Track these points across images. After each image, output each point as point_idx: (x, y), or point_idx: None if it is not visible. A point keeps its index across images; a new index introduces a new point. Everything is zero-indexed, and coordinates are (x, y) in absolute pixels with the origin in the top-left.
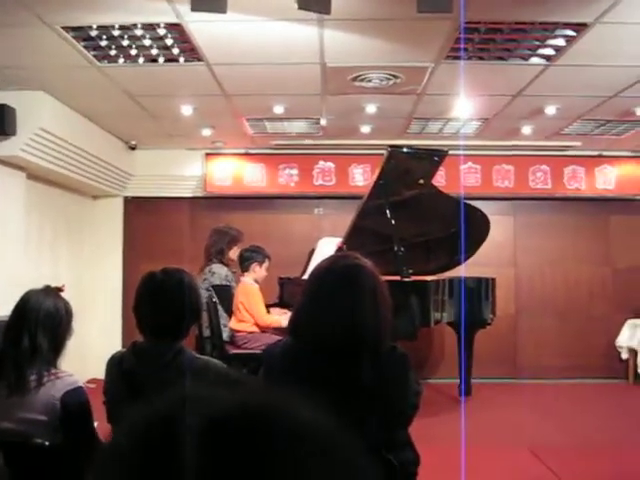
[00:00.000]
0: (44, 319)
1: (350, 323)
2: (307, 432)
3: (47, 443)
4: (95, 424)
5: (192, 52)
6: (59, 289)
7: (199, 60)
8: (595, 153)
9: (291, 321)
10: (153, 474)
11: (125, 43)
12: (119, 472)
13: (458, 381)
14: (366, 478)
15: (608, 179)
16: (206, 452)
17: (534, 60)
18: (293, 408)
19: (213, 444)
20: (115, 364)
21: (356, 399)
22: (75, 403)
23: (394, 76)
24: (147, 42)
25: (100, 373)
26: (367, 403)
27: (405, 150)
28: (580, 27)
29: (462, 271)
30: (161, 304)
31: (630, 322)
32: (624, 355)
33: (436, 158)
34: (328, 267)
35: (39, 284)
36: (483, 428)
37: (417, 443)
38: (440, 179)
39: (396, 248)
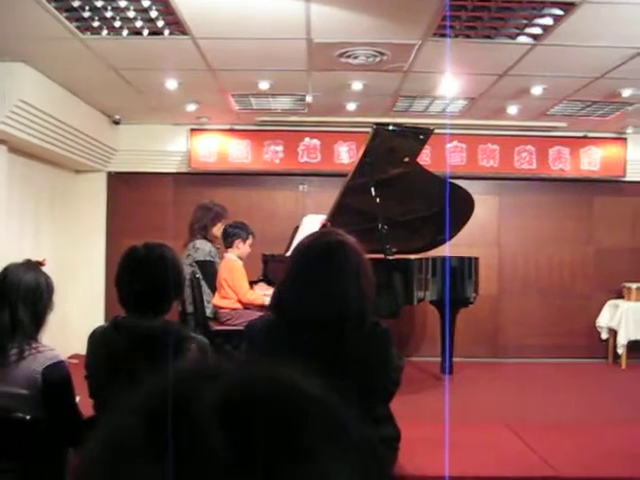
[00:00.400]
0: (25, 293)
1: (332, 299)
2: (325, 410)
3: (28, 417)
4: (77, 399)
5: (177, 25)
6: (40, 263)
7: (184, 34)
8: (580, 134)
9: (274, 297)
10: (175, 453)
11: (109, 14)
12: (136, 456)
13: (440, 359)
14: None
15: (593, 160)
16: (230, 428)
17: (521, 39)
18: (312, 384)
19: (236, 419)
20: (97, 338)
21: (337, 374)
22: (56, 377)
23: (380, 53)
24: (131, 14)
25: (83, 349)
26: (348, 378)
27: (390, 128)
28: (568, 6)
29: (446, 250)
30: (143, 278)
31: (611, 302)
32: (604, 335)
33: (422, 136)
34: (311, 243)
35: (21, 258)
36: (464, 406)
37: (399, 420)
38: (425, 157)
39: (380, 226)
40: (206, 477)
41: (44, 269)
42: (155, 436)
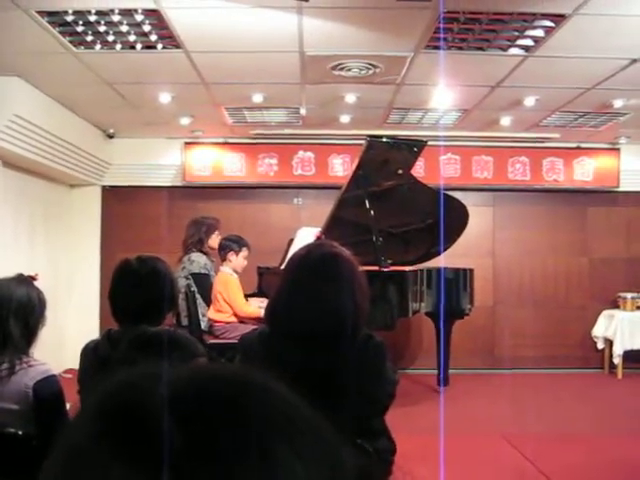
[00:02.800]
0: (16, 308)
1: (326, 311)
2: (285, 407)
3: (20, 432)
4: (67, 406)
5: (170, 39)
6: (32, 278)
7: (177, 47)
8: (573, 145)
9: (268, 309)
10: (126, 450)
11: (102, 29)
12: (89, 457)
13: (436, 372)
14: (344, 462)
15: (586, 171)
16: (181, 421)
17: (513, 51)
18: (269, 381)
19: (186, 414)
20: (89, 352)
21: (332, 387)
22: (47, 392)
23: (373, 65)
24: (124, 28)
25: (77, 363)
26: (343, 391)
27: (384, 140)
28: (559, 18)
29: (441, 261)
30: (136, 291)
31: (606, 312)
32: (600, 345)
33: (415, 148)
34: (305, 255)
35: (14, 273)
36: (460, 417)
37: (395, 432)
38: (419, 170)
39: (374, 238)
40: (160, 473)
41: (36, 283)
42: (109, 435)
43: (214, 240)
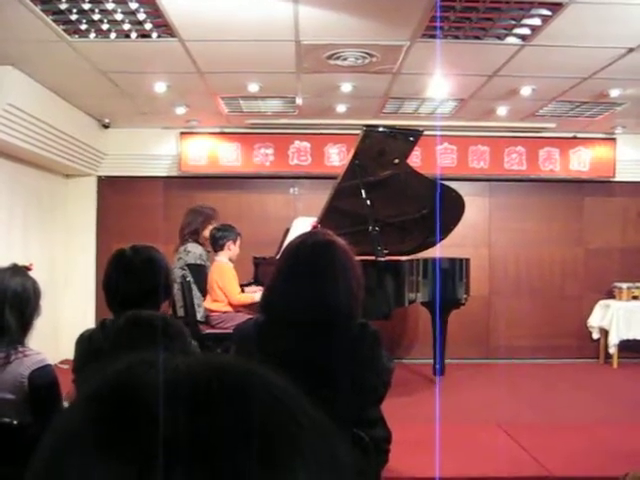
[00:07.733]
0: (11, 298)
1: (321, 299)
2: (287, 400)
3: (15, 422)
4: (65, 404)
5: (165, 28)
6: (27, 268)
7: (172, 36)
8: (570, 135)
9: (263, 297)
10: (117, 439)
11: (96, 17)
12: (82, 445)
13: (432, 361)
14: (341, 454)
15: (582, 161)
16: (177, 412)
17: (510, 40)
18: (269, 373)
19: (184, 403)
20: (84, 342)
21: (327, 375)
22: (43, 381)
23: (369, 54)
24: (119, 17)
25: (73, 354)
26: (338, 379)
27: (380, 130)
28: (555, 6)
29: (437, 251)
30: (130, 280)
31: (601, 302)
32: (595, 335)
33: (411, 138)
34: (300, 243)
35: (8, 264)
36: (456, 407)
37: (391, 422)
38: (416, 159)
39: (370, 228)
40: (151, 461)
41: (31, 274)
42: (100, 422)
43: (209, 231)
